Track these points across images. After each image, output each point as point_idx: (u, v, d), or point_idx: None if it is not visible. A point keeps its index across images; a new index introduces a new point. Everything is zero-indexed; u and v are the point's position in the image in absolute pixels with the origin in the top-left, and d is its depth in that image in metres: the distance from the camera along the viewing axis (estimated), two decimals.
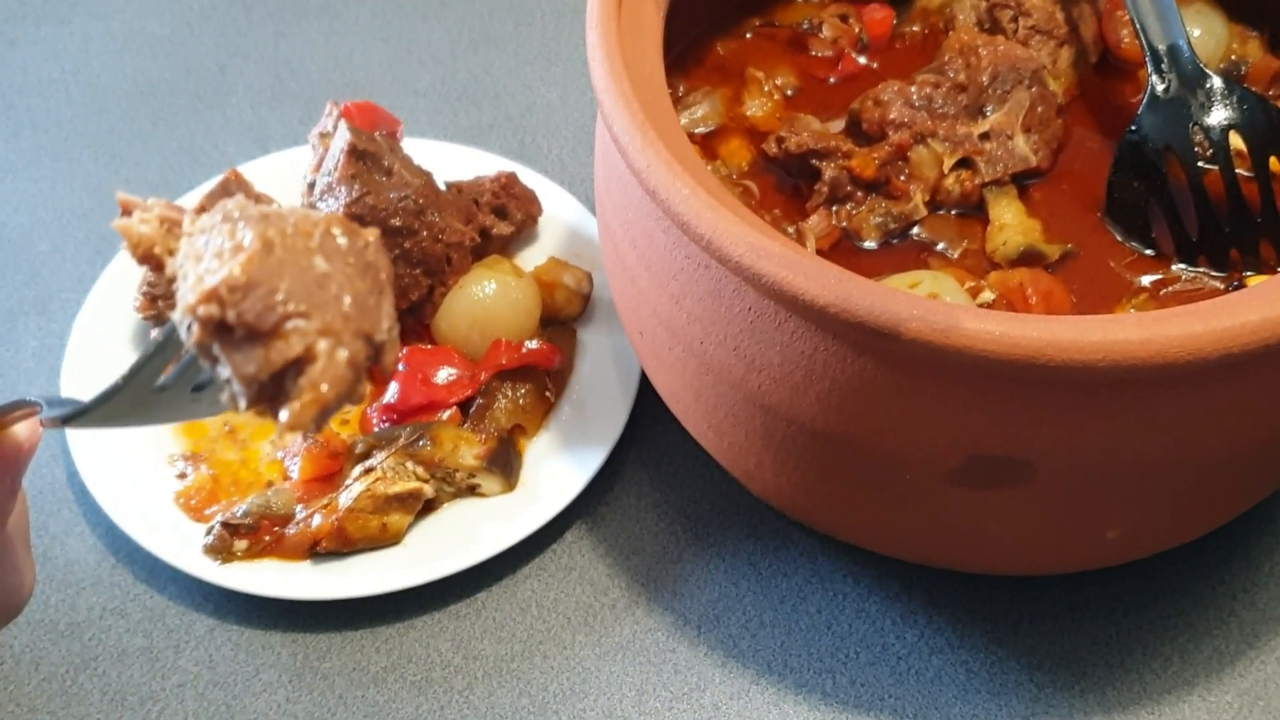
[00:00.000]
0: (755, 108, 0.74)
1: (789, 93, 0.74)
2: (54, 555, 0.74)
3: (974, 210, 0.69)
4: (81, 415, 0.42)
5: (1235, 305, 0.53)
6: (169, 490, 0.74)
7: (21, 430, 0.48)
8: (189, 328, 0.37)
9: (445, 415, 0.75)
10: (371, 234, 0.39)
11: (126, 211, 0.40)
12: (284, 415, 0.36)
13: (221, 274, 0.36)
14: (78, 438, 0.74)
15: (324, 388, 0.36)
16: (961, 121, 0.69)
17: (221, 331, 0.37)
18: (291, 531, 0.72)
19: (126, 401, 0.42)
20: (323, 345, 0.36)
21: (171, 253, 0.39)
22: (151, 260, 0.39)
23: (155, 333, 0.79)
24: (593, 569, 0.73)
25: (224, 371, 0.37)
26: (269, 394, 0.37)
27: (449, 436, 0.73)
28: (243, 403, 0.37)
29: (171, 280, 0.39)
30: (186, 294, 0.37)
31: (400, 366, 0.75)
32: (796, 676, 0.69)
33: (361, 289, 0.38)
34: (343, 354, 0.37)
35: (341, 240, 0.38)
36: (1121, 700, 0.68)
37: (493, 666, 0.70)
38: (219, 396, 0.40)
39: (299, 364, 0.36)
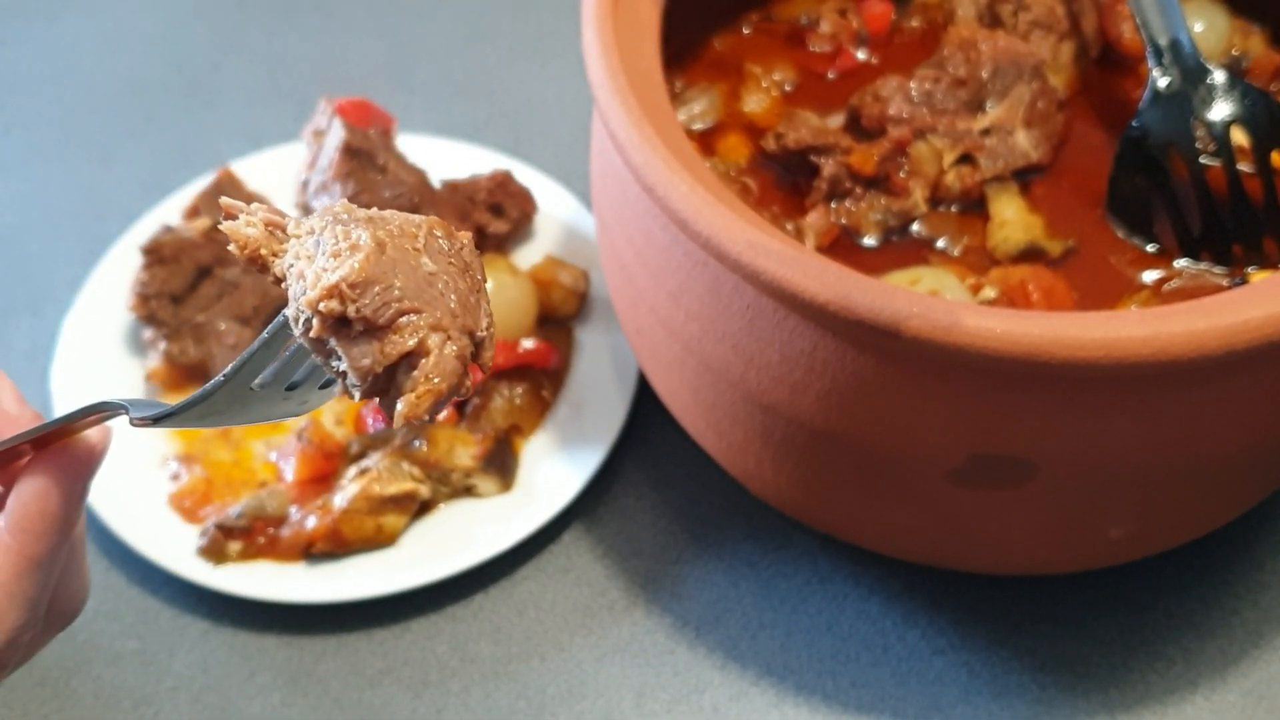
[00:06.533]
0: (753, 103, 0.73)
1: (787, 88, 0.74)
2: None
3: (975, 206, 0.69)
4: (177, 414, 0.43)
5: (1238, 301, 0.53)
6: (162, 492, 0.73)
7: (94, 434, 0.47)
8: (306, 322, 0.39)
9: (441, 415, 0.74)
10: (466, 236, 0.42)
11: (231, 216, 0.41)
12: (400, 406, 0.39)
13: (341, 270, 0.39)
14: None
15: (437, 380, 0.39)
16: (962, 117, 0.69)
17: (339, 326, 0.39)
18: (286, 533, 0.71)
19: (224, 400, 0.43)
20: (434, 340, 0.39)
21: (276, 255, 0.41)
22: (258, 261, 0.41)
23: (147, 341, 0.78)
24: (591, 570, 0.73)
25: (339, 365, 0.40)
26: (381, 386, 0.40)
27: (445, 437, 0.73)
28: (357, 394, 0.40)
29: (279, 280, 0.41)
30: (306, 290, 0.39)
31: None
32: (797, 678, 0.69)
33: (463, 287, 0.40)
34: (452, 348, 0.39)
35: (443, 242, 0.41)
36: (1125, 701, 0.67)
37: (490, 669, 0.70)
38: (308, 397, 0.44)
39: (410, 358, 0.39)
